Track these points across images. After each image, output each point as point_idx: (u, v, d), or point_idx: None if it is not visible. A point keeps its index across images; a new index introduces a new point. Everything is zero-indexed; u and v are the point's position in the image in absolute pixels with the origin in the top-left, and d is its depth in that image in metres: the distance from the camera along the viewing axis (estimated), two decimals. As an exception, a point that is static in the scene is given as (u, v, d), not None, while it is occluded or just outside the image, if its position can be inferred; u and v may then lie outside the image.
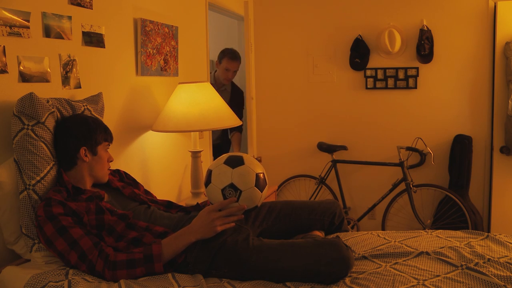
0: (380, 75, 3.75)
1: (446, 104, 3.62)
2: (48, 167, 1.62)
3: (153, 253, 1.45)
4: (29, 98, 1.56)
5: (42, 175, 1.59)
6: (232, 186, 1.53)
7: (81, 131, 1.65)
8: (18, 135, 1.57)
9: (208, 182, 1.59)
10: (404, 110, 3.74)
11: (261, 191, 1.58)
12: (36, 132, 1.59)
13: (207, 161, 3.16)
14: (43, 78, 1.78)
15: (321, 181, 3.86)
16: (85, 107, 1.84)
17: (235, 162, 1.56)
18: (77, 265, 1.46)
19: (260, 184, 1.57)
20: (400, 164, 3.40)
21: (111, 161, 1.76)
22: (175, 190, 2.78)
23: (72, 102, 1.79)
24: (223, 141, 3.81)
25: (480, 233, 1.76)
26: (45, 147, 1.61)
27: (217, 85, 3.58)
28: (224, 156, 1.61)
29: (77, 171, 1.66)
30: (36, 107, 1.57)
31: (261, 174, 1.59)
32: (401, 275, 1.41)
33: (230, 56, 3.48)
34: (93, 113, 1.87)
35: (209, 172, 1.60)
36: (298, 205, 1.90)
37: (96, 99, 1.95)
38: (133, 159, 2.38)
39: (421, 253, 1.57)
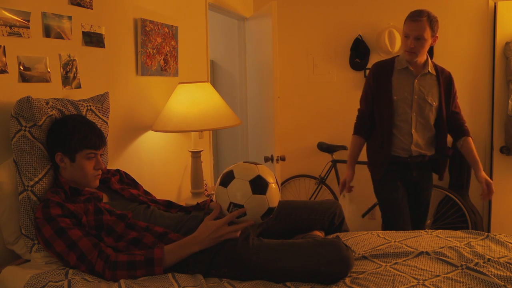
0: (380, 75, 3.74)
1: (446, 104, 3.62)
2: (46, 168, 1.61)
3: (155, 257, 1.45)
4: (27, 102, 1.55)
5: (40, 176, 1.59)
6: (233, 204, 1.53)
7: (57, 136, 1.60)
8: (16, 136, 1.57)
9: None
10: (404, 110, 3.73)
11: (264, 194, 1.53)
12: (34, 134, 1.59)
13: (207, 161, 3.16)
14: (43, 78, 1.77)
15: (321, 181, 3.86)
16: (89, 107, 1.83)
17: (227, 180, 1.56)
18: (76, 266, 1.45)
19: (258, 189, 1.53)
20: (400, 164, 3.39)
21: (100, 169, 1.66)
22: (175, 190, 2.78)
23: (76, 102, 1.78)
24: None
25: (480, 233, 1.76)
26: (42, 148, 1.61)
27: (408, 70, 2.45)
28: (220, 175, 1.62)
29: (64, 174, 1.64)
30: (34, 111, 1.56)
31: (256, 179, 1.54)
32: (401, 275, 1.41)
33: (410, 16, 2.30)
34: (97, 113, 1.86)
35: (215, 197, 1.63)
36: (298, 205, 1.90)
37: (102, 99, 1.94)
38: (133, 159, 2.38)
39: (421, 253, 1.57)
